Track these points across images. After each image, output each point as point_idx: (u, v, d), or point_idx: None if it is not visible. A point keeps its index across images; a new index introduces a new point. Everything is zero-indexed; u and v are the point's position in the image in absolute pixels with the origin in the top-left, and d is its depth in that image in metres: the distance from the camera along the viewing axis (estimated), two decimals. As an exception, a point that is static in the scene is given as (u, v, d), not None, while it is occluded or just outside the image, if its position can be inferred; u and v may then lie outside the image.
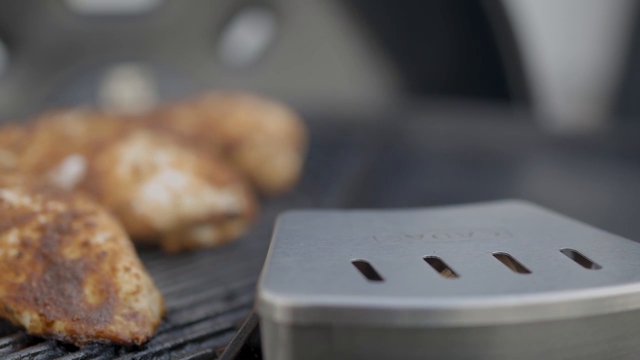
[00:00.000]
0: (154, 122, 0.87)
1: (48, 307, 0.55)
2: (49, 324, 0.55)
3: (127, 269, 0.57)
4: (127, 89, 1.26)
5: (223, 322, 0.60)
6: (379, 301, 0.43)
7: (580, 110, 1.91)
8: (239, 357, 0.52)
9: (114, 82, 1.25)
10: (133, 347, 0.56)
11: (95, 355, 0.55)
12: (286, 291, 0.44)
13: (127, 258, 0.59)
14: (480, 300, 0.44)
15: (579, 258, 0.51)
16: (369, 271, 0.48)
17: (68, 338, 0.55)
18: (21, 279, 0.56)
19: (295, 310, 0.43)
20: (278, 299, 0.43)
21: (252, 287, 0.66)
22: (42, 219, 0.59)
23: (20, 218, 0.59)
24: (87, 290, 0.56)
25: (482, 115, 1.24)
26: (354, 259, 0.49)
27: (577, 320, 0.44)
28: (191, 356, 0.55)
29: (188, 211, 0.73)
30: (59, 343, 0.55)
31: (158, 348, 0.56)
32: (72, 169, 0.74)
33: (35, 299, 0.55)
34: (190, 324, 0.61)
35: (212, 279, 0.69)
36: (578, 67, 1.93)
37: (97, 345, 0.55)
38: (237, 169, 0.87)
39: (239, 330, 0.53)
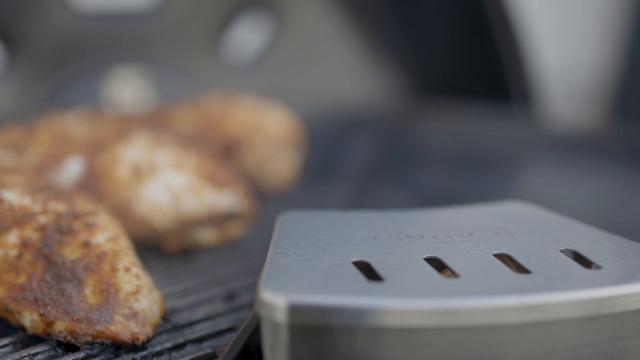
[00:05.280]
0: (154, 122, 0.87)
1: (48, 307, 0.55)
2: (49, 324, 0.55)
3: (127, 269, 0.57)
4: (127, 88, 1.26)
5: (223, 322, 0.60)
6: (379, 301, 0.43)
7: (580, 110, 1.90)
8: (239, 357, 0.52)
9: (114, 82, 1.25)
10: (133, 347, 0.56)
11: (96, 356, 0.55)
12: (286, 291, 0.44)
13: (128, 258, 0.59)
14: (480, 301, 0.44)
15: (579, 258, 0.51)
16: (369, 271, 0.48)
17: (68, 338, 0.55)
18: (21, 279, 0.56)
19: (296, 311, 0.43)
20: (278, 299, 0.43)
21: (252, 287, 0.66)
22: (43, 219, 0.59)
23: (21, 218, 0.59)
24: (88, 290, 0.56)
25: (482, 115, 1.24)
26: (354, 259, 0.49)
27: (577, 320, 0.44)
28: (191, 356, 0.56)
29: (188, 211, 0.73)
30: (59, 343, 0.56)
31: (158, 348, 0.56)
32: (72, 169, 0.74)
33: (36, 299, 0.55)
34: (190, 324, 0.61)
35: (212, 279, 0.69)
36: (578, 66, 1.93)
37: (97, 345, 0.55)
38: (237, 169, 0.87)
39: (239, 331, 0.53)
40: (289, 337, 0.44)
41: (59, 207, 0.60)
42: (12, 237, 0.58)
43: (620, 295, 0.45)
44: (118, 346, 0.56)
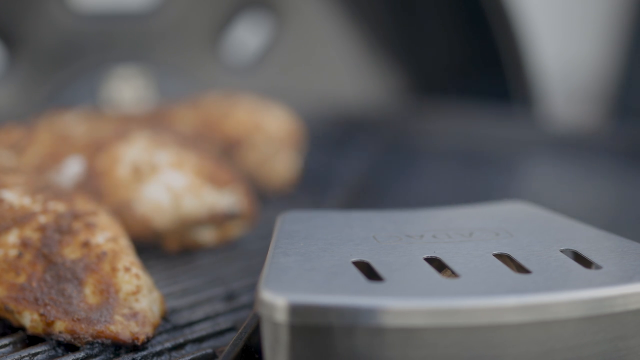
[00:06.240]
0: (154, 122, 0.87)
1: (48, 307, 0.55)
2: (49, 324, 0.55)
3: (127, 269, 0.57)
4: (127, 88, 1.26)
5: (223, 322, 0.60)
6: (379, 301, 0.43)
7: (580, 110, 1.90)
8: (239, 357, 0.52)
9: (114, 82, 1.25)
10: (133, 347, 0.56)
11: (96, 355, 0.55)
12: (286, 291, 0.44)
13: (127, 258, 0.59)
14: (480, 300, 0.44)
15: (579, 258, 0.51)
16: (369, 271, 0.48)
17: (68, 338, 0.55)
18: (21, 279, 0.56)
19: (296, 310, 0.43)
20: (278, 299, 0.43)
21: (252, 287, 0.66)
22: (42, 219, 0.59)
23: (21, 218, 0.59)
24: (88, 290, 0.56)
25: (482, 116, 1.24)
26: (354, 259, 0.49)
27: (577, 320, 0.44)
28: (191, 356, 0.56)
29: (188, 211, 0.73)
30: (59, 343, 0.56)
31: (158, 348, 0.56)
32: (72, 169, 0.74)
33: (36, 299, 0.55)
34: (190, 324, 0.61)
35: (212, 279, 0.69)
36: (578, 66, 1.93)
37: (97, 345, 0.55)
38: (237, 169, 0.87)
39: (239, 330, 0.53)
40: (289, 337, 0.44)
41: (59, 207, 0.60)
42: (12, 237, 0.58)
43: (620, 295, 0.45)
44: (118, 346, 0.56)
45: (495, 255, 0.50)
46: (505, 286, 0.45)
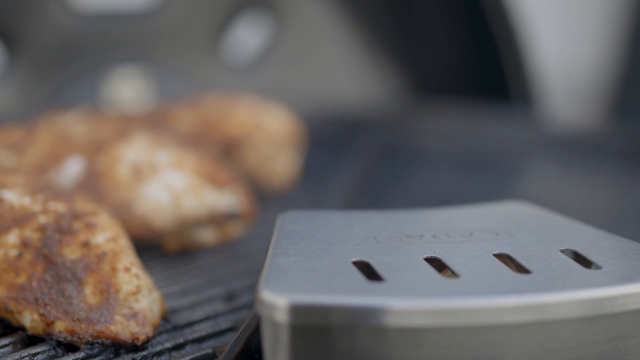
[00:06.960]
0: (154, 122, 0.87)
1: (48, 307, 0.55)
2: (50, 324, 0.55)
3: (127, 269, 0.57)
4: (127, 89, 1.26)
5: (223, 322, 0.60)
6: (379, 301, 0.43)
7: (580, 110, 1.90)
8: (239, 357, 0.52)
9: (114, 82, 1.25)
10: (133, 347, 0.56)
11: (96, 356, 0.55)
12: (286, 291, 0.44)
13: (128, 258, 0.59)
14: (480, 300, 0.44)
15: (579, 258, 0.51)
16: (369, 271, 0.48)
17: (68, 338, 0.55)
18: (21, 279, 0.56)
19: (296, 310, 0.43)
20: (278, 299, 0.43)
21: (252, 287, 0.66)
22: (43, 219, 0.59)
23: (21, 218, 0.59)
24: (88, 290, 0.56)
25: (482, 116, 1.24)
26: (354, 259, 0.49)
27: (577, 320, 0.44)
28: (191, 356, 0.56)
29: (188, 211, 0.73)
30: (59, 343, 0.56)
31: (158, 348, 0.56)
32: (72, 169, 0.74)
33: (36, 299, 0.55)
34: (190, 324, 0.61)
35: (212, 279, 0.69)
36: (578, 66, 1.93)
37: (97, 345, 0.55)
38: (237, 169, 0.87)
39: (239, 331, 0.53)
40: (289, 337, 0.44)
41: (59, 207, 0.60)
42: (12, 237, 0.58)
43: (620, 295, 0.45)
44: (118, 346, 0.56)
45: (495, 255, 0.50)
46: (505, 286, 0.45)
